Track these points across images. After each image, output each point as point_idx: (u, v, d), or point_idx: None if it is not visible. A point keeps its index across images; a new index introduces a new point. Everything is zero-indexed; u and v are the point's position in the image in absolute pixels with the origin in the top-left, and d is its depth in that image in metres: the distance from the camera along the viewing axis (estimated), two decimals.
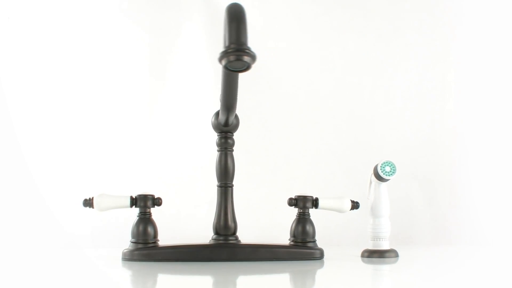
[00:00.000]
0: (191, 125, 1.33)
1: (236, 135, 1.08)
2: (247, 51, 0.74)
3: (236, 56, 0.73)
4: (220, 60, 0.74)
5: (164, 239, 1.05)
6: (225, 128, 1.06)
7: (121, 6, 1.35)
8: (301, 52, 1.36)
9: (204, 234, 1.06)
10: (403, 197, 1.21)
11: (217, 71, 1.30)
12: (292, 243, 1.05)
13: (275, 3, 1.36)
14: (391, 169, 1.06)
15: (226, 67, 0.75)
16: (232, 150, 1.07)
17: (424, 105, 1.35)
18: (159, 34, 1.35)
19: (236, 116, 1.07)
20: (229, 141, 1.07)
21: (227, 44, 0.74)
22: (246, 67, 0.75)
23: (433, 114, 1.35)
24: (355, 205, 1.07)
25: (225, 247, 1.03)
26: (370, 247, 1.08)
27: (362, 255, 1.08)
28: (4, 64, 1.31)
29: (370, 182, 1.09)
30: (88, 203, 1.03)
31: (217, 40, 1.34)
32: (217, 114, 1.05)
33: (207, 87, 1.35)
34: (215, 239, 1.05)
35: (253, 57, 0.74)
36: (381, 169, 1.05)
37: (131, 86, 1.34)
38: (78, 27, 1.34)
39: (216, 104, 1.05)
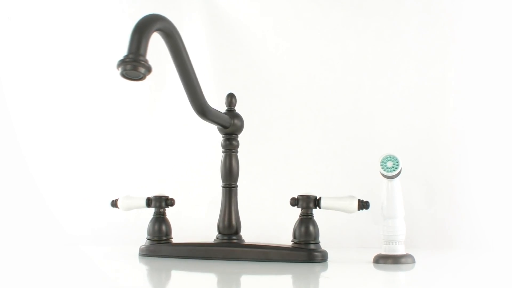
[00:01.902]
0: (197, 126, 1.34)
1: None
2: (143, 62, 0.77)
3: (133, 65, 0.77)
4: (117, 67, 0.78)
5: (175, 237, 1.12)
6: (229, 130, 1.08)
7: (122, 6, 1.40)
8: (302, 51, 1.34)
9: (207, 233, 1.10)
10: (402, 197, 1.13)
11: (217, 71, 1.35)
12: (294, 244, 1.02)
13: (276, 3, 1.36)
14: (393, 164, 0.97)
15: (122, 75, 0.79)
16: (237, 152, 1.10)
17: (424, 105, 1.30)
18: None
19: (240, 118, 1.09)
20: (234, 142, 1.09)
21: (126, 53, 0.78)
22: (141, 77, 0.79)
23: (433, 114, 1.29)
24: (364, 205, 1.01)
25: (228, 246, 1.05)
26: (383, 252, 0.99)
27: (375, 260, 0.99)
28: (6, 65, 1.40)
29: None
30: (114, 203, 1.15)
31: (217, 40, 1.38)
32: None
33: (207, 87, 1.35)
34: (219, 238, 1.08)
35: (148, 69, 0.78)
36: (381, 165, 0.97)
37: (132, 86, 1.37)
38: (79, 27, 1.40)
39: (218, 105, 1.06)
